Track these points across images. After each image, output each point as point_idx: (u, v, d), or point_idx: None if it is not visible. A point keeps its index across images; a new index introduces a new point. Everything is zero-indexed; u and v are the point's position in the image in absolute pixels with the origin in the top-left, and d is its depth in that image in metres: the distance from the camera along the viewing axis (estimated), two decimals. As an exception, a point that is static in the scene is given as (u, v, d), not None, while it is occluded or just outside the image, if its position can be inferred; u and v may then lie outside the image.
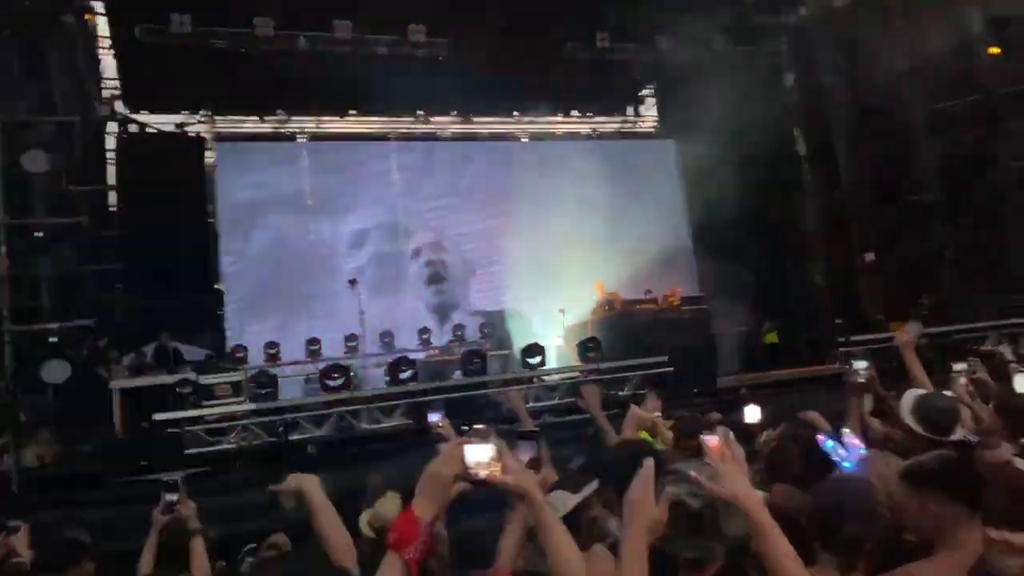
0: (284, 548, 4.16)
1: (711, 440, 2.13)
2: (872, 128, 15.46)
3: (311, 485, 2.54)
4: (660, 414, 4.61)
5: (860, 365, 4.24)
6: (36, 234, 9.48)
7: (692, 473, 2.06)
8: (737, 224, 15.57)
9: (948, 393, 3.90)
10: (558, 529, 1.97)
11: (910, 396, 3.53)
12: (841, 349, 11.86)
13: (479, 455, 1.97)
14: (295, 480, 2.57)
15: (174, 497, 3.50)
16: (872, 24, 14.86)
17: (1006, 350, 4.79)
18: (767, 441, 3.69)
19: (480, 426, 2.00)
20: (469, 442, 1.98)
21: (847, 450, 2.47)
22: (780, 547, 1.94)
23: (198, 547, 3.47)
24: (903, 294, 14.58)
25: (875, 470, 2.41)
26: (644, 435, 6.64)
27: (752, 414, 4.79)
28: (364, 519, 3.36)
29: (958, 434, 3.45)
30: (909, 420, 3.42)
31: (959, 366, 4.52)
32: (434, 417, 4.31)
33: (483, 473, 1.96)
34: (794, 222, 16.47)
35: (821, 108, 16.26)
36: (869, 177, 15.65)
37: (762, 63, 16.39)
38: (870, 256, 15.41)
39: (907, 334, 4.42)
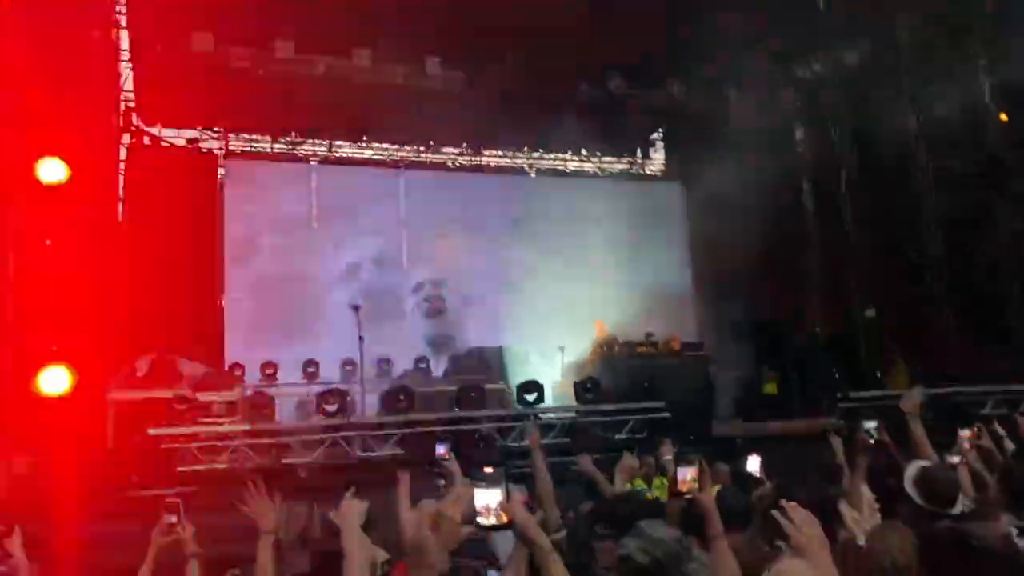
0: None
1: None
2: (878, 184, 15.59)
3: (352, 522, 2.47)
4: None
5: (870, 424, 4.25)
6: (46, 242, 9.48)
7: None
8: (740, 271, 15.64)
9: (955, 459, 3.90)
10: (564, 576, 1.97)
11: (914, 467, 3.56)
12: (840, 404, 11.86)
13: (488, 499, 1.97)
14: (344, 509, 2.51)
15: (173, 518, 3.47)
16: (882, 82, 15.09)
17: None
18: (762, 496, 3.69)
19: (489, 470, 2.00)
20: (478, 485, 1.98)
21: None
22: None
23: (195, 571, 3.45)
24: (902, 352, 14.59)
25: (884, 540, 2.38)
26: (639, 483, 6.66)
27: (753, 464, 4.82)
28: None
29: (959, 507, 3.47)
30: (911, 491, 3.46)
31: (965, 432, 4.53)
32: (441, 449, 4.33)
33: (491, 517, 1.96)
34: (797, 273, 16.53)
35: (829, 162, 16.41)
36: (873, 232, 15.75)
37: (773, 114, 16.57)
38: (871, 312, 15.45)
39: (911, 400, 4.41)
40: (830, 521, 3.12)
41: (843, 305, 15.87)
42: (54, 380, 7.63)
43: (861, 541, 2.64)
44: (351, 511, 2.47)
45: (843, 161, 16.24)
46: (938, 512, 3.36)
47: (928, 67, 14.31)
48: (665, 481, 6.19)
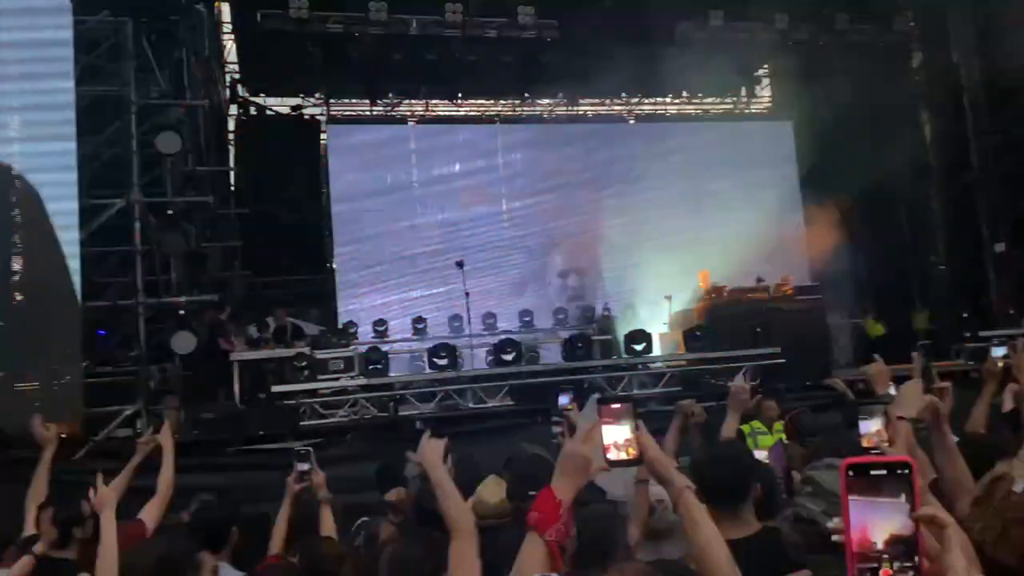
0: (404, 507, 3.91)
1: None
2: (1005, 111, 14.47)
3: (432, 457, 2.44)
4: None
5: (999, 352, 3.99)
6: (168, 212, 9.99)
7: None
8: (856, 211, 14.91)
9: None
10: (703, 517, 1.91)
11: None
12: (967, 345, 11.24)
13: (616, 435, 1.92)
14: (424, 447, 2.48)
15: (306, 467, 3.62)
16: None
17: None
18: None
19: (618, 405, 1.94)
20: (606, 422, 1.93)
21: None
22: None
23: (327, 516, 3.59)
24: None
25: None
26: (757, 425, 6.45)
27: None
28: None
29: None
30: None
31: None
32: (563, 400, 4.33)
33: (621, 453, 1.91)
34: (918, 209, 15.61)
35: (950, 89, 15.30)
36: (1001, 163, 14.67)
37: (887, 41, 15.54)
38: (1001, 246, 14.46)
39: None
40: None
41: (971, 240, 14.89)
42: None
43: None
44: (431, 448, 2.46)
45: (966, 89, 15.12)
46: None
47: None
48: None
